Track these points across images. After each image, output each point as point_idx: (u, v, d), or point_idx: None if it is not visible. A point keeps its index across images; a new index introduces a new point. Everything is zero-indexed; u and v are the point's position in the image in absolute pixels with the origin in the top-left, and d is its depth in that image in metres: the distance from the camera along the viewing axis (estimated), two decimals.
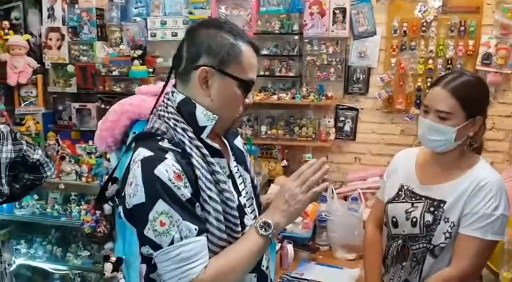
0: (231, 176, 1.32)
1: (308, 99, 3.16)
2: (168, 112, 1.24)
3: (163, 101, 1.28)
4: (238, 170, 1.38)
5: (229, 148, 1.39)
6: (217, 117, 1.23)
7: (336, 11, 3.09)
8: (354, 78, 3.21)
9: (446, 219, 1.58)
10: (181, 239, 1.12)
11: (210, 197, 1.18)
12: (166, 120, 1.22)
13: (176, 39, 3.46)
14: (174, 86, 1.29)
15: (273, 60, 3.26)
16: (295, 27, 3.16)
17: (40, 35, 3.66)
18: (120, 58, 3.47)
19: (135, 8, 3.56)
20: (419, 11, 2.96)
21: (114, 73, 3.44)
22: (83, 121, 3.66)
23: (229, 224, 1.21)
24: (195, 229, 1.14)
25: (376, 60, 3.15)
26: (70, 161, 3.39)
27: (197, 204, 1.17)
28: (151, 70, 3.45)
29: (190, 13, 3.40)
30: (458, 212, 1.56)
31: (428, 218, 1.60)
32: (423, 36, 3.00)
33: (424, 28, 2.98)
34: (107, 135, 2.04)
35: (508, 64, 2.89)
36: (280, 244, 2.43)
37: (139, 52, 3.39)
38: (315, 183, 1.24)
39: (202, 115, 1.22)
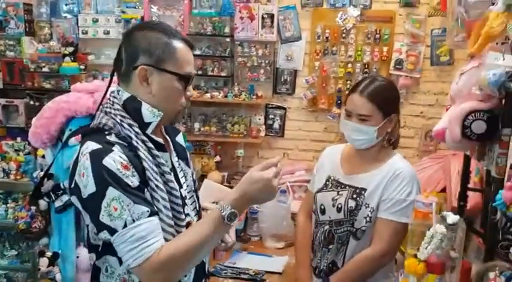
0: (173, 169, 1.39)
1: (240, 98, 3.31)
2: (114, 109, 1.30)
3: (109, 98, 1.34)
4: (179, 164, 1.47)
5: (171, 144, 1.47)
6: (162, 114, 1.30)
7: (264, 16, 3.27)
8: (282, 80, 3.41)
9: (366, 205, 1.78)
10: (134, 221, 1.18)
11: (157, 186, 1.26)
12: (113, 116, 1.29)
13: (108, 37, 3.48)
14: (118, 85, 1.37)
15: (205, 60, 3.37)
16: (227, 30, 3.30)
17: None
18: (50, 54, 3.41)
19: (66, 5, 3.52)
20: (340, 19, 3.21)
21: (44, 69, 3.37)
22: (9, 117, 3.55)
23: (174, 213, 1.30)
24: (147, 211, 1.20)
25: (301, 63, 3.37)
26: None
27: (146, 190, 1.24)
28: (82, 67, 3.43)
29: (123, 12, 3.44)
30: (377, 198, 1.77)
31: (351, 204, 1.80)
32: (343, 42, 3.25)
33: (344, 35, 3.23)
34: (42, 132, 2.07)
35: (417, 69, 3.22)
36: None
37: (70, 49, 3.36)
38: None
39: (148, 112, 1.29)
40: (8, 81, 3.50)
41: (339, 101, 3.30)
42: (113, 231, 1.20)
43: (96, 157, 1.20)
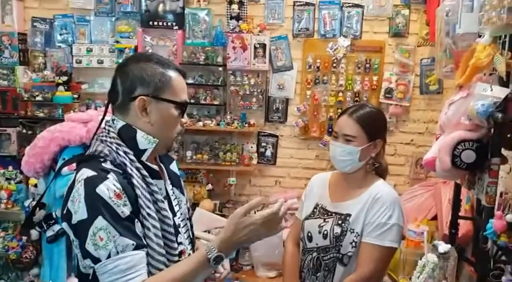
0: (167, 197, 1.40)
1: (232, 126, 3.34)
2: (110, 137, 1.33)
3: (104, 127, 1.36)
4: (173, 192, 1.48)
5: (165, 172, 1.48)
6: (157, 140, 1.33)
7: (256, 46, 3.33)
8: (274, 108, 3.45)
9: (352, 230, 1.79)
10: (118, 253, 1.20)
11: (149, 215, 1.27)
12: (109, 144, 1.31)
13: (102, 66, 3.52)
14: (113, 115, 1.39)
15: (198, 89, 3.41)
16: (219, 59, 3.35)
17: None
18: (44, 83, 3.44)
19: (60, 35, 3.56)
20: (331, 49, 3.28)
21: (38, 98, 3.40)
22: (1, 146, 3.54)
23: (166, 241, 1.30)
24: (132, 244, 1.21)
25: (293, 92, 3.42)
26: None
27: (136, 220, 1.25)
28: (76, 96, 3.46)
29: (117, 42, 3.48)
30: (361, 223, 1.78)
31: (337, 230, 1.81)
32: (334, 72, 3.32)
33: (334, 64, 3.30)
34: (35, 161, 2.06)
35: (406, 98, 3.27)
36: None
37: (64, 78, 3.39)
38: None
39: (143, 139, 1.32)
40: (1, 109, 3.52)
41: (330, 129, 3.34)
42: (96, 260, 1.21)
43: (90, 184, 1.22)
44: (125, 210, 1.23)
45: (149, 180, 1.31)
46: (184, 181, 3.15)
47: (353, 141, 1.79)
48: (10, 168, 3.40)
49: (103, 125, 1.40)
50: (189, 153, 3.42)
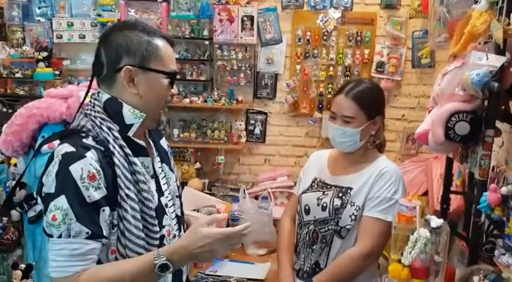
0: (154, 175, 1.36)
1: (219, 103, 3.25)
2: (94, 111, 1.27)
3: (90, 100, 1.31)
4: (162, 170, 1.42)
5: (153, 148, 1.42)
6: (145, 115, 1.27)
7: (244, 19, 3.22)
8: (263, 84, 3.36)
9: (352, 203, 1.75)
10: (69, 236, 1.17)
11: (128, 196, 1.22)
12: (93, 118, 1.26)
13: (84, 41, 3.40)
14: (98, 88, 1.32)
15: (184, 64, 3.31)
16: (205, 33, 3.24)
17: None
18: (24, 60, 3.33)
19: (39, 8, 3.43)
20: (321, 21, 3.18)
21: (17, 75, 3.30)
22: None
23: (146, 224, 1.26)
24: (86, 233, 1.17)
25: (282, 67, 3.32)
26: None
27: (103, 208, 1.20)
28: (57, 72, 3.35)
29: (99, 15, 3.36)
30: (363, 197, 1.74)
31: (337, 202, 1.77)
32: (324, 45, 3.22)
33: (325, 37, 3.21)
34: (13, 140, 1.98)
35: (398, 72, 3.20)
36: None
37: (44, 54, 3.28)
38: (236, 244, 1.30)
39: (130, 113, 1.26)
40: None
41: (321, 105, 3.27)
42: (48, 234, 1.19)
43: (66, 160, 1.18)
44: (94, 195, 1.19)
45: (132, 159, 1.25)
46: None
47: (352, 123, 1.74)
48: None
49: (88, 98, 1.32)
50: (176, 131, 3.34)
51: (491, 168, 1.67)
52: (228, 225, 2.83)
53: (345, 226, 1.76)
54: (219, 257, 2.62)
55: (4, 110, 3.32)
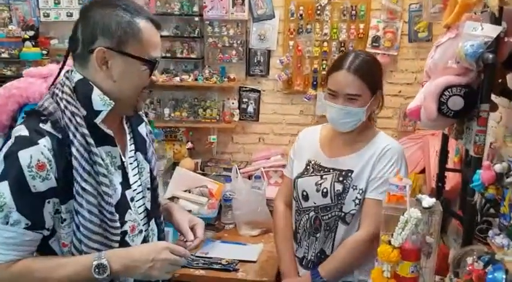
0: (122, 166, 1.28)
1: (211, 81, 3.17)
2: (62, 91, 1.18)
3: (62, 79, 1.23)
4: (136, 159, 1.34)
5: (128, 135, 1.34)
6: (113, 103, 1.19)
7: None
8: (255, 61, 3.26)
9: (354, 187, 1.68)
10: (6, 223, 1.11)
11: (83, 189, 1.15)
12: (58, 100, 1.18)
13: (72, 19, 3.29)
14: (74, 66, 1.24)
15: (174, 42, 3.22)
16: (196, 9, 3.14)
17: None
18: (10, 39, 3.26)
19: None
20: None
21: (4, 55, 3.24)
22: None
23: (104, 218, 1.18)
24: (26, 223, 1.12)
25: (275, 43, 3.22)
26: None
27: (48, 201, 1.14)
28: (45, 52, 3.27)
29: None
30: (365, 179, 1.67)
31: (338, 187, 1.69)
32: (318, 20, 3.11)
33: (318, 12, 3.09)
34: None
35: (394, 46, 3.10)
36: None
37: (31, 33, 3.21)
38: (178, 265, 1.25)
39: (99, 99, 1.18)
40: None
41: (315, 82, 3.18)
42: None
43: (17, 145, 1.12)
44: (40, 185, 1.12)
45: (94, 149, 1.17)
46: (163, 140, 3.09)
47: (357, 101, 1.62)
48: None
49: (62, 75, 1.24)
50: (167, 111, 3.27)
51: (488, 144, 1.60)
52: (220, 207, 2.79)
53: (349, 211, 1.69)
54: (212, 239, 2.58)
55: None
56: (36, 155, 1.11)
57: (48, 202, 1.14)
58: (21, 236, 1.12)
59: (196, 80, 3.18)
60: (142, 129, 1.40)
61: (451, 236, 2.00)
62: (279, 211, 1.93)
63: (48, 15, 3.32)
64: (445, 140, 1.99)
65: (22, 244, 1.13)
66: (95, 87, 1.18)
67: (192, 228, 1.42)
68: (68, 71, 1.23)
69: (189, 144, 3.25)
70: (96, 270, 1.14)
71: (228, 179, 2.95)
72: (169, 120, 3.27)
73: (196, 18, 3.16)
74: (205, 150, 3.36)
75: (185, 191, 2.82)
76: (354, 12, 3.08)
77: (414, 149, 2.93)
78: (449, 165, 2.21)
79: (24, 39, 3.19)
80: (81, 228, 1.16)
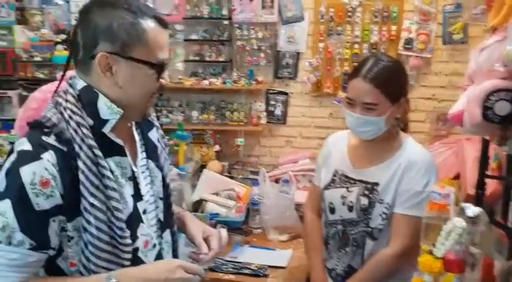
0: (132, 177, 1.19)
1: (239, 84, 3.15)
2: (66, 100, 1.09)
3: (64, 86, 1.13)
4: (147, 168, 1.26)
5: (139, 142, 1.26)
6: (122, 111, 1.11)
7: None
8: (284, 63, 3.23)
9: (381, 201, 1.61)
10: (10, 244, 1.03)
11: (91, 205, 1.06)
12: (62, 110, 1.08)
13: None
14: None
15: (203, 45, 3.22)
16: (225, 12, 3.13)
17: None
18: (43, 43, 3.32)
19: None
20: None
21: (37, 58, 3.29)
22: (3, 109, 3.46)
23: (114, 235, 1.10)
24: (30, 244, 1.04)
25: (304, 45, 3.18)
26: None
27: (54, 219, 1.06)
28: None
29: None
30: (392, 192, 1.60)
31: (364, 201, 1.62)
32: (349, 22, 3.07)
33: (349, 13, 3.05)
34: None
35: (428, 49, 3.03)
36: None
37: (62, 36, 3.26)
38: None
39: (106, 107, 1.10)
40: (1, 71, 3.39)
41: (345, 85, 3.10)
42: None
43: (19, 160, 1.04)
44: (44, 203, 1.03)
45: (102, 162, 1.08)
46: (191, 142, 3.08)
47: (375, 110, 1.54)
48: (12, 132, 3.30)
49: (64, 83, 1.15)
50: (195, 114, 3.28)
51: None
52: (248, 210, 2.76)
53: (377, 226, 1.62)
54: (240, 243, 2.55)
55: (25, 94, 3.31)
56: (40, 171, 1.03)
57: (54, 220, 1.06)
58: (25, 257, 1.04)
59: (224, 83, 3.17)
60: (154, 134, 1.31)
61: (491, 245, 1.92)
62: (308, 219, 1.89)
63: None
64: (485, 145, 1.91)
65: (26, 265, 1.06)
66: (100, 95, 1.10)
67: (206, 239, 1.33)
68: (70, 78, 1.14)
69: (217, 147, 3.24)
70: None
71: (255, 183, 2.92)
72: (197, 123, 3.27)
73: (225, 22, 3.15)
74: (232, 153, 3.34)
75: (213, 193, 2.80)
76: (385, 13, 3.03)
77: (448, 154, 2.85)
78: (488, 171, 2.13)
79: (56, 43, 3.24)
80: (90, 247, 1.08)
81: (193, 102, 3.33)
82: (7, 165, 1.06)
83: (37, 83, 3.27)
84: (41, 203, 1.03)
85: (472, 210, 1.27)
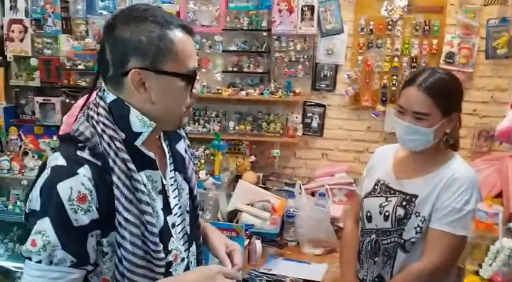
0: (163, 191, 1.18)
1: (276, 95, 3.15)
2: (98, 113, 1.08)
3: (95, 98, 1.13)
4: (175, 180, 1.25)
5: (167, 155, 1.25)
6: (154, 124, 1.10)
7: (304, 8, 3.10)
8: (322, 75, 3.22)
9: (417, 214, 1.59)
10: (50, 263, 1.02)
11: (126, 219, 1.05)
12: (95, 123, 1.07)
13: None
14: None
15: (241, 56, 3.24)
16: (264, 24, 3.15)
17: (2, 27, 3.53)
18: (86, 52, 3.40)
19: (102, 1, 3.48)
20: (386, 10, 3.00)
21: (80, 67, 3.38)
22: (46, 116, 3.57)
23: (148, 250, 1.09)
24: (71, 261, 1.03)
25: (343, 58, 3.17)
26: (33, 157, 3.29)
27: (91, 234, 1.05)
28: None
29: (158, 7, 3.35)
30: (429, 207, 1.58)
31: (400, 212, 1.61)
32: (389, 35, 3.04)
33: (390, 27, 3.02)
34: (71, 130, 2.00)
35: (470, 63, 2.96)
36: (248, 240, 2.42)
37: None
38: None
39: (137, 120, 1.08)
40: (45, 79, 3.51)
41: (384, 98, 3.09)
42: (26, 256, 1.04)
43: (55, 176, 1.03)
44: (83, 218, 1.02)
45: (135, 176, 1.07)
46: (226, 152, 3.10)
47: (425, 120, 1.53)
48: (55, 138, 3.40)
49: (93, 96, 1.14)
50: (231, 124, 3.30)
51: None
52: (283, 223, 2.75)
53: (410, 239, 1.60)
54: (274, 256, 2.54)
55: (68, 101, 3.41)
56: (77, 187, 1.01)
57: (92, 235, 1.05)
58: (67, 275, 1.03)
59: (261, 94, 3.18)
60: (181, 146, 1.30)
61: None
62: (347, 230, 1.88)
63: None
64: None
65: None
66: (132, 108, 1.09)
67: (230, 254, 1.31)
68: (99, 90, 1.14)
69: (252, 158, 3.25)
70: None
71: (291, 195, 2.92)
72: (233, 133, 3.29)
73: (264, 33, 3.17)
74: (268, 164, 3.34)
75: (247, 204, 2.81)
76: (427, 27, 2.98)
77: (489, 171, 2.76)
78: None
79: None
80: (124, 262, 1.07)
81: (230, 112, 3.35)
82: (41, 181, 1.04)
83: (79, 90, 3.38)
84: (80, 219, 1.02)
85: None
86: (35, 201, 1.04)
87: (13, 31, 3.51)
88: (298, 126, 3.26)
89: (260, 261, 2.46)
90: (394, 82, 3.05)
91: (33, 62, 3.50)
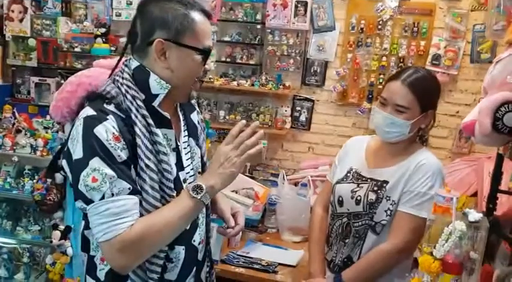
0: (176, 149, 1.35)
1: (266, 87, 3.23)
2: (123, 78, 1.27)
3: (121, 67, 1.32)
4: (188, 144, 1.42)
5: (182, 122, 1.42)
6: (170, 86, 1.27)
7: (297, 4, 3.17)
8: (312, 71, 3.30)
9: (387, 198, 1.70)
10: (112, 195, 1.16)
11: (147, 166, 1.22)
12: (119, 85, 1.26)
13: None
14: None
15: (235, 48, 3.31)
16: (258, 17, 3.23)
17: (2, 6, 3.59)
18: (83, 35, 3.45)
19: None
20: (377, 10, 3.07)
21: (76, 49, 3.42)
22: (41, 96, 3.62)
23: (164, 195, 1.25)
24: (129, 188, 1.18)
25: (333, 55, 3.25)
26: (26, 135, 3.34)
27: (132, 166, 1.21)
28: (113, 49, 3.45)
29: None
30: (399, 191, 1.69)
31: (372, 196, 1.72)
32: (379, 34, 3.12)
33: (380, 26, 3.10)
34: (62, 106, 2.06)
35: (454, 66, 3.05)
36: None
37: (102, 30, 3.37)
38: (250, 147, 1.30)
39: (156, 83, 1.26)
40: (42, 60, 3.57)
41: (371, 96, 3.18)
42: (88, 201, 1.17)
43: (89, 124, 1.19)
44: (122, 154, 1.19)
45: (154, 129, 1.25)
46: (216, 140, 3.17)
47: (404, 113, 1.66)
48: (48, 117, 3.46)
49: (121, 64, 1.33)
50: (222, 113, 3.38)
51: None
52: (265, 210, 2.83)
53: (380, 221, 1.71)
54: (254, 240, 2.61)
55: (63, 82, 3.45)
56: (110, 129, 1.18)
57: (133, 167, 1.21)
58: (129, 201, 1.18)
59: (252, 85, 3.26)
60: (194, 116, 1.49)
61: (499, 260, 1.93)
62: (316, 215, 1.98)
63: (120, 15, 3.51)
64: (499, 160, 1.93)
65: (132, 209, 1.18)
66: (151, 73, 1.26)
67: (234, 215, 1.51)
68: (126, 59, 1.33)
69: None
70: (194, 192, 1.22)
71: (275, 184, 3.00)
72: (223, 122, 3.36)
73: (258, 26, 3.25)
74: (255, 155, 3.39)
75: (232, 191, 2.88)
76: (415, 29, 3.06)
77: (468, 171, 2.85)
78: (504, 188, 2.13)
79: (96, 36, 3.38)
80: (144, 203, 1.22)
81: (222, 102, 3.43)
82: (79, 132, 1.19)
83: (74, 72, 3.43)
84: (121, 155, 1.18)
85: (473, 215, 1.32)
86: (77, 152, 1.18)
87: (13, 11, 3.56)
88: (287, 119, 3.34)
89: (240, 244, 2.54)
90: (380, 81, 3.13)
91: (31, 42, 3.55)
